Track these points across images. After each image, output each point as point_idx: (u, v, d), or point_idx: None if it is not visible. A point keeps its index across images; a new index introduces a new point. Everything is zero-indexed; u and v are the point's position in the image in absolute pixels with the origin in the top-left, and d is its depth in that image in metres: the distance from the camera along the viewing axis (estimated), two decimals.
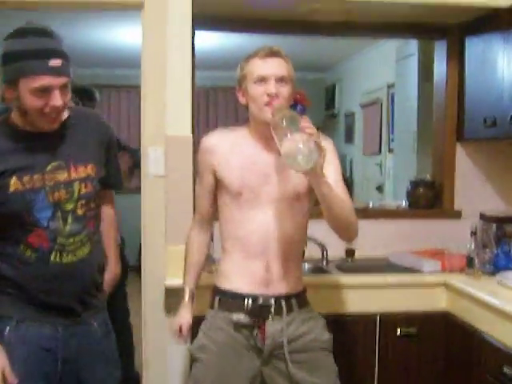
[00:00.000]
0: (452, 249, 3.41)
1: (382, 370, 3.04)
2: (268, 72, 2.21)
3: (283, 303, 2.26)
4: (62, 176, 2.14)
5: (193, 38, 3.33)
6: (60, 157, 2.15)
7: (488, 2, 3.17)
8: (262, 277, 2.25)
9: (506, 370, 2.51)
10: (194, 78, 3.31)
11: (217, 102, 9.31)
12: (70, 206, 2.15)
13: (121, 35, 6.50)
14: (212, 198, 2.38)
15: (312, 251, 3.34)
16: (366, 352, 3.02)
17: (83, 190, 2.17)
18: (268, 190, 2.25)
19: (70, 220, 2.14)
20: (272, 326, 2.24)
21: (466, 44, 3.55)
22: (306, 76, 8.91)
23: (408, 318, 3.04)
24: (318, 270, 3.36)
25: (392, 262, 3.47)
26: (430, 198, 3.76)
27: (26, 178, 2.08)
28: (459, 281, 3.03)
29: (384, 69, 6.48)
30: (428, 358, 3.06)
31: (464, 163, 3.70)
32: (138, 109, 3.36)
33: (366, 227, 3.54)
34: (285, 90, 2.21)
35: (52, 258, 2.11)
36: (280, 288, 2.27)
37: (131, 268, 4.02)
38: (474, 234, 3.19)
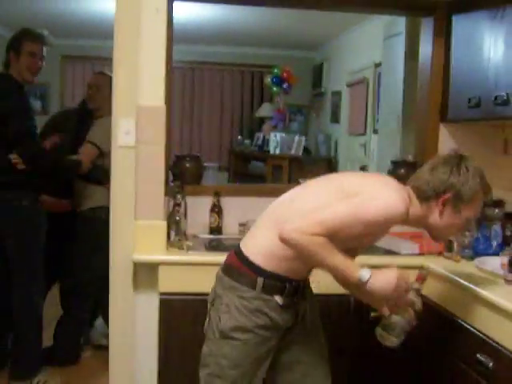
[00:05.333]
0: None
1: (352, 353, 2.99)
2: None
3: (306, 282, 2.44)
4: None
5: (171, 6, 3.24)
6: None
7: None
8: (306, 271, 2.38)
9: (479, 357, 2.43)
10: (171, 48, 3.21)
11: (204, 78, 9.24)
12: None
13: (94, 4, 6.39)
14: None
15: None
16: (337, 334, 2.94)
17: None
18: None
19: None
20: (302, 304, 2.39)
21: (453, 22, 3.45)
22: (295, 54, 8.85)
23: None
24: None
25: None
26: None
27: None
28: (437, 264, 2.95)
29: (371, 48, 6.39)
30: None
31: (447, 144, 3.59)
32: None
33: None
34: None
35: None
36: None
37: None
38: None
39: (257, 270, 2.28)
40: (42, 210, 3.81)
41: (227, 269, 2.35)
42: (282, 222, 2.21)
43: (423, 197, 2.32)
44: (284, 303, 2.29)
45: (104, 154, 3.96)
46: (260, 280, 2.26)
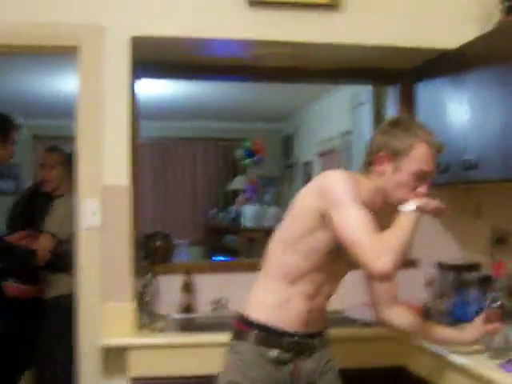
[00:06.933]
0: (407, 299, 3.26)
1: None
2: (431, 171, 2.22)
3: (316, 341, 2.29)
4: None
5: (134, 84, 3.24)
6: None
7: (435, 44, 3.13)
8: (305, 318, 2.24)
9: None
10: (136, 125, 3.19)
11: (177, 153, 9.28)
12: None
13: (57, 83, 6.34)
14: None
15: None
16: None
17: None
18: None
19: None
20: (306, 363, 2.25)
21: (417, 89, 3.49)
22: (264, 126, 8.92)
23: (362, 374, 2.87)
24: None
25: (347, 316, 3.31)
26: None
27: None
28: None
29: (340, 117, 6.44)
30: None
31: None
32: None
33: None
34: None
35: None
36: (316, 327, 2.30)
37: None
38: (429, 283, 3.07)
39: (249, 323, 2.23)
40: None
41: (231, 333, 2.31)
42: (267, 267, 2.27)
43: (366, 166, 2.29)
44: (278, 357, 2.20)
45: (62, 242, 3.73)
46: (252, 332, 2.21)
